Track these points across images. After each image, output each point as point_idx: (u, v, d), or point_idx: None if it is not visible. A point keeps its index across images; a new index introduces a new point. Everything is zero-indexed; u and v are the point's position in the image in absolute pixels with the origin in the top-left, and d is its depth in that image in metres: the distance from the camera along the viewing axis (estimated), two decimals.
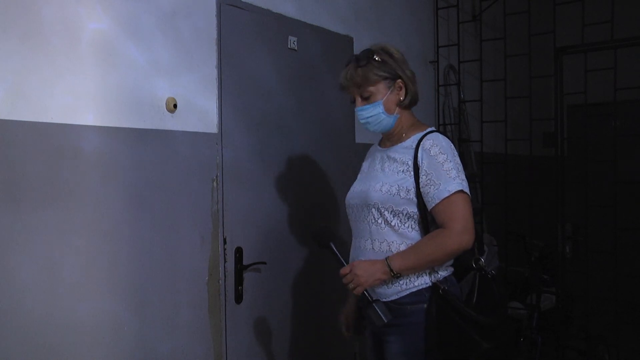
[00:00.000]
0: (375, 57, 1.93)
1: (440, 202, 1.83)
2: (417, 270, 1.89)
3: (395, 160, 1.95)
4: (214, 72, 2.26)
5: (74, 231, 1.79)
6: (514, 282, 3.87)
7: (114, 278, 1.90)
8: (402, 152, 1.94)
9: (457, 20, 3.88)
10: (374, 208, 1.93)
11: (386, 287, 1.91)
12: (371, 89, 1.94)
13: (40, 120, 1.71)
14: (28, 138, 1.68)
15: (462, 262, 1.98)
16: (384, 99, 1.94)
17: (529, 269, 3.88)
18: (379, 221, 1.92)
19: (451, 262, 1.95)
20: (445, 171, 1.84)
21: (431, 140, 1.90)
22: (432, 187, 1.85)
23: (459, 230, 1.81)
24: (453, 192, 1.82)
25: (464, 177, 1.87)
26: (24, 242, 1.67)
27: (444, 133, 1.98)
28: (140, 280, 1.99)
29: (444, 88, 3.97)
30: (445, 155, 1.86)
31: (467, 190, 1.85)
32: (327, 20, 2.89)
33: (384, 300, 1.89)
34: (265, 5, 2.51)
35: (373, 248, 1.94)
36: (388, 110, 1.95)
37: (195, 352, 2.17)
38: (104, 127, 1.88)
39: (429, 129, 1.97)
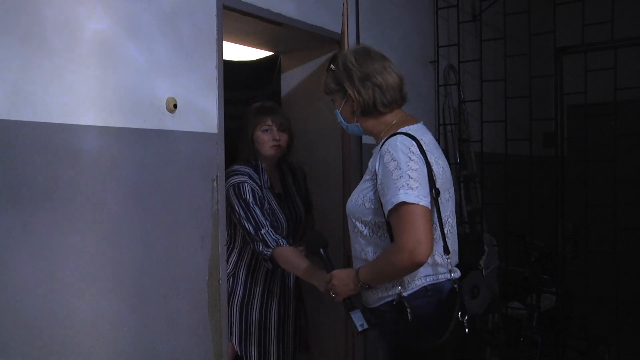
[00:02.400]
0: (331, 66, 1.92)
1: (388, 215, 1.72)
2: (380, 282, 1.83)
3: (368, 166, 1.89)
4: (214, 72, 2.26)
5: (74, 231, 1.79)
6: (514, 282, 3.87)
7: (114, 278, 1.90)
8: (373, 157, 1.86)
9: (457, 20, 3.87)
10: (349, 218, 1.93)
11: (369, 294, 1.90)
12: (332, 97, 1.97)
13: (40, 120, 1.70)
14: (28, 138, 1.68)
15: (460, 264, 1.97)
16: (340, 108, 1.95)
17: (529, 269, 3.88)
18: (355, 230, 1.91)
19: (428, 272, 1.81)
20: (393, 180, 1.70)
21: (387, 146, 1.76)
22: (383, 198, 1.74)
23: (404, 246, 1.67)
24: (395, 204, 1.68)
25: (415, 184, 1.68)
26: (24, 242, 1.67)
27: (411, 134, 1.79)
28: (140, 280, 1.99)
29: (444, 88, 3.96)
30: (396, 162, 1.71)
31: (413, 200, 1.66)
32: (328, 20, 2.89)
33: (369, 307, 1.91)
34: (265, 5, 2.51)
35: (355, 255, 1.94)
36: (346, 119, 1.96)
37: (195, 352, 2.17)
38: (104, 127, 1.88)
39: (398, 130, 1.81)
